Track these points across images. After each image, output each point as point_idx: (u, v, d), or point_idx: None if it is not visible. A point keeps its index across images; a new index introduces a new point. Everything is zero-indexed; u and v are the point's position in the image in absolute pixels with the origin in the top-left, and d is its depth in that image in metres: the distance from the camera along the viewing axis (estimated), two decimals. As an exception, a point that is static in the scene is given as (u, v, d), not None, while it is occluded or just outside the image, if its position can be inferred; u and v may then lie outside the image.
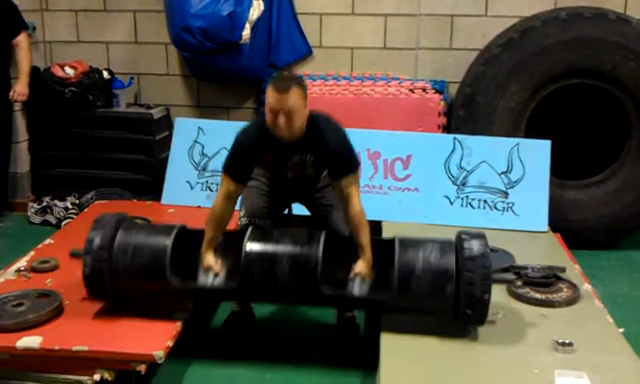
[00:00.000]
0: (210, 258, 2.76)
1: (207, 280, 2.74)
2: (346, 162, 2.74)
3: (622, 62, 4.06)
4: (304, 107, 2.64)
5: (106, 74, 4.79)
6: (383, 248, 2.69)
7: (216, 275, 2.74)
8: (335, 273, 2.71)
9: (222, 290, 2.76)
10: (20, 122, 4.86)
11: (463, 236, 2.60)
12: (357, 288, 2.65)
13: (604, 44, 4.05)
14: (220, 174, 2.82)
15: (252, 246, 2.70)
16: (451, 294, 2.53)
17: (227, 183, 2.75)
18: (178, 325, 2.69)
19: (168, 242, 2.70)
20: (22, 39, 4.59)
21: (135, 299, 2.83)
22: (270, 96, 2.59)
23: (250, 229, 2.80)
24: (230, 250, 2.79)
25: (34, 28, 4.93)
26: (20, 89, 4.58)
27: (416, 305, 2.62)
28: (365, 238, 2.69)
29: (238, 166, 2.77)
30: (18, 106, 4.77)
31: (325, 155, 2.75)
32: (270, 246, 2.72)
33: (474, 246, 2.54)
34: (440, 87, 4.49)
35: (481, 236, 2.59)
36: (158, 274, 2.67)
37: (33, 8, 4.94)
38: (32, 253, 3.39)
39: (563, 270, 3.10)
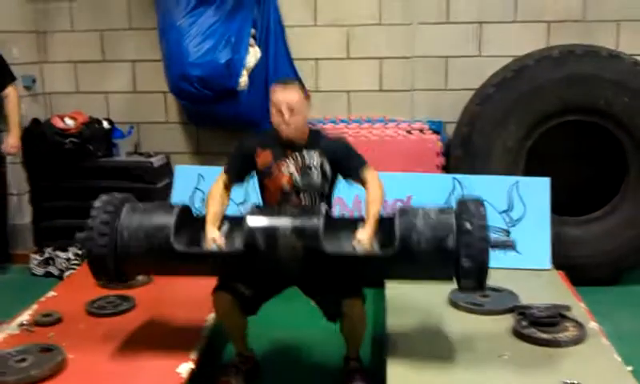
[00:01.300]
0: (213, 231, 2.77)
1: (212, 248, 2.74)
2: (353, 156, 2.93)
3: (615, 97, 4.10)
4: (306, 107, 2.90)
5: (105, 124, 4.82)
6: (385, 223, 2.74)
7: (220, 248, 2.74)
8: (337, 235, 2.74)
9: (226, 255, 2.73)
10: (20, 174, 4.87)
11: (460, 199, 2.75)
12: (359, 249, 2.66)
13: (597, 81, 4.11)
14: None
15: (253, 218, 2.70)
16: (452, 245, 2.53)
17: (223, 176, 2.96)
18: (182, 378, 2.66)
19: (174, 212, 2.74)
20: (10, 91, 4.55)
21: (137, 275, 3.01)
22: (274, 92, 2.88)
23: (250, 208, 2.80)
24: (232, 230, 2.83)
25: (34, 80, 4.97)
26: (12, 141, 4.57)
27: (418, 257, 2.56)
28: (375, 209, 2.74)
29: (234, 162, 3.00)
30: (17, 159, 4.78)
31: (328, 155, 2.90)
32: (272, 216, 2.75)
33: (471, 205, 2.63)
34: (437, 128, 4.53)
35: (478, 199, 2.71)
36: (162, 239, 2.65)
37: (32, 60, 4.99)
38: (35, 306, 3.37)
39: (568, 308, 3.08)
